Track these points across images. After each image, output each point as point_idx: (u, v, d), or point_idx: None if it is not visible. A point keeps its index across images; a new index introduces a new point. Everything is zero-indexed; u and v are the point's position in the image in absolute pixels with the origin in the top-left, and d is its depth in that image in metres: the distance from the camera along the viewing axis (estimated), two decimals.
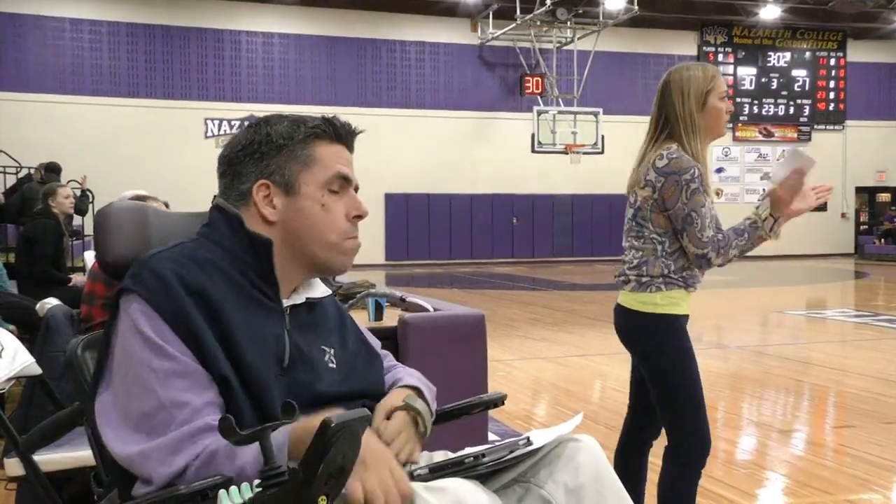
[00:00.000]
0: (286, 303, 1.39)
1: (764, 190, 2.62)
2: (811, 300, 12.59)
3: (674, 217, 2.27)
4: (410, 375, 1.56)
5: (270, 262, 1.36)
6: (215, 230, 1.39)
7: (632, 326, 2.41)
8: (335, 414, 1.07)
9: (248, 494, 1.11)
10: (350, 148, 1.45)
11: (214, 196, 1.47)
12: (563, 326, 9.21)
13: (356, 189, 1.45)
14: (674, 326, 2.33)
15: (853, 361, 6.99)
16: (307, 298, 1.44)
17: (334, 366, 1.41)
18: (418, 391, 1.49)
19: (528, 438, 1.35)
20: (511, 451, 1.32)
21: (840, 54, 23.16)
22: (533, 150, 18.68)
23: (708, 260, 2.27)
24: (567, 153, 18.80)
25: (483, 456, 1.29)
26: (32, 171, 11.28)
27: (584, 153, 18.83)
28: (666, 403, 2.37)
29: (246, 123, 1.49)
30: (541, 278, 16.54)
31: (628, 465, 2.55)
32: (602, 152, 19.10)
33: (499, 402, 1.62)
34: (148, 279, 1.27)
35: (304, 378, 1.33)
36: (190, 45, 19.01)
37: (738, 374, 6.32)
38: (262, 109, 19.47)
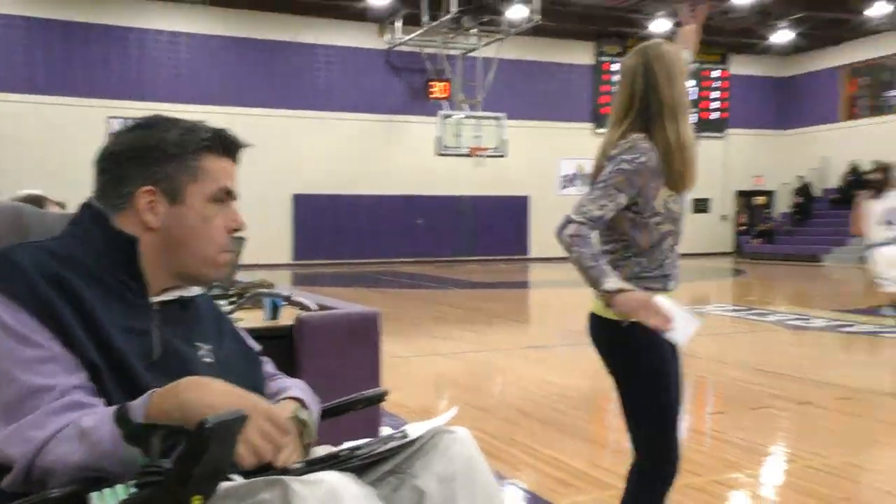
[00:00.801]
0: (154, 299, 1.37)
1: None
2: (694, 296, 13.13)
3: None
4: (296, 386, 1.55)
5: (135, 258, 1.35)
6: (81, 227, 1.37)
7: (596, 332, 2.18)
8: (212, 414, 1.07)
9: (123, 496, 1.08)
10: (236, 161, 1.45)
11: None
12: (464, 324, 9.33)
13: (234, 200, 1.45)
14: (641, 335, 2.02)
15: (729, 352, 7.35)
16: (180, 297, 1.42)
17: (211, 361, 1.39)
18: (304, 403, 1.49)
19: (403, 432, 1.38)
20: (385, 444, 1.34)
21: (723, 67, 24.26)
22: (438, 153, 18.81)
23: (564, 227, 2.00)
24: (471, 156, 19.03)
25: (357, 449, 1.32)
26: None
27: (488, 156, 19.11)
28: (634, 418, 2.18)
29: (129, 123, 1.45)
30: (444, 277, 16.67)
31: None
32: (505, 156, 19.40)
33: (380, 397, 1.64)
34: (7, 271, 1.24)
35: (177, 372, 1.28)
36: (93, 41, 18.23)
37: None
38: (168, 109, 18.87)
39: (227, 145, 1.42)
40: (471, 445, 1.39)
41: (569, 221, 2.01)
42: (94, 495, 1.08)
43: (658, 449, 2.16)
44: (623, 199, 2.04)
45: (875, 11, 18.18)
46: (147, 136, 1.38)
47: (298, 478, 1.21)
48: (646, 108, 2.09)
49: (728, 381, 5.96)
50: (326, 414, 1.58)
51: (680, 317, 1.96)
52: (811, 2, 19.06)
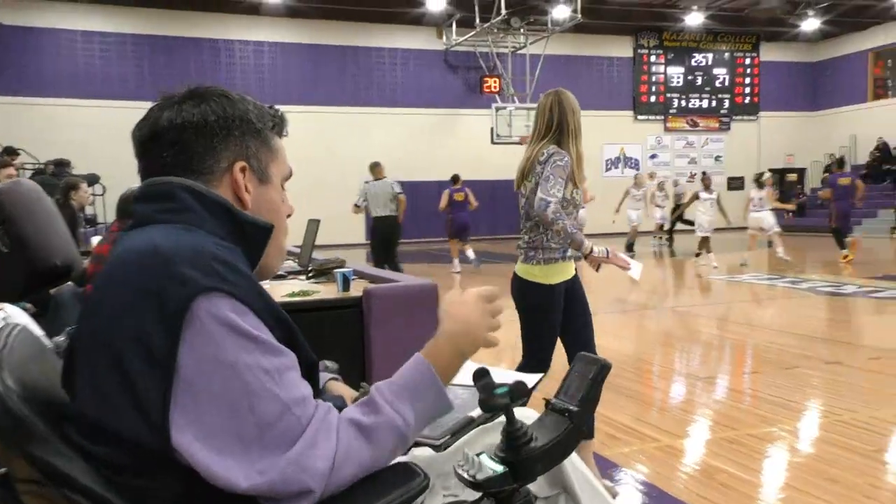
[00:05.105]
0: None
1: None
2: (730, 266, 12.74)
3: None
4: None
5: (263, 248, 1.06)
6: (196, 216, 1.00)
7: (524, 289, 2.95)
8: (602, 358, 1.13)
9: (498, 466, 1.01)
10: None
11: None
12: None
13: None
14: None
15: (765, 318, 7.09)
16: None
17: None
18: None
19: (484, 368, 1.27)
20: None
21: (754, 54, 23.31)
22: (492, 142, 18.66)
23: (547, 206, 2.59)
24: (521, 144, 18.80)
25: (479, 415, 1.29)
26: (46, 166, 11.06)
27: None
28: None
29: (180, 92, 1.07)
30: (500, 252, 16.56)
31: None
32: None
33: None
34: (224, 272, 0.92)
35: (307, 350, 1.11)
36: (189, 53, 18.63)
37: (669, 332, 6.38)
38: None
39: (285, 128, 1.13)
40: None
41: (549, 203, 2.59)
42: (482, 458, 1.02)
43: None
44: (562, 187, 2.61)
45: None
46: (228, 105, 1.05)
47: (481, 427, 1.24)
48: (559, 131, 2.70)
49: (763, 344, 5.74)
50: None
51: (633, 264, 2.80)
52: None
